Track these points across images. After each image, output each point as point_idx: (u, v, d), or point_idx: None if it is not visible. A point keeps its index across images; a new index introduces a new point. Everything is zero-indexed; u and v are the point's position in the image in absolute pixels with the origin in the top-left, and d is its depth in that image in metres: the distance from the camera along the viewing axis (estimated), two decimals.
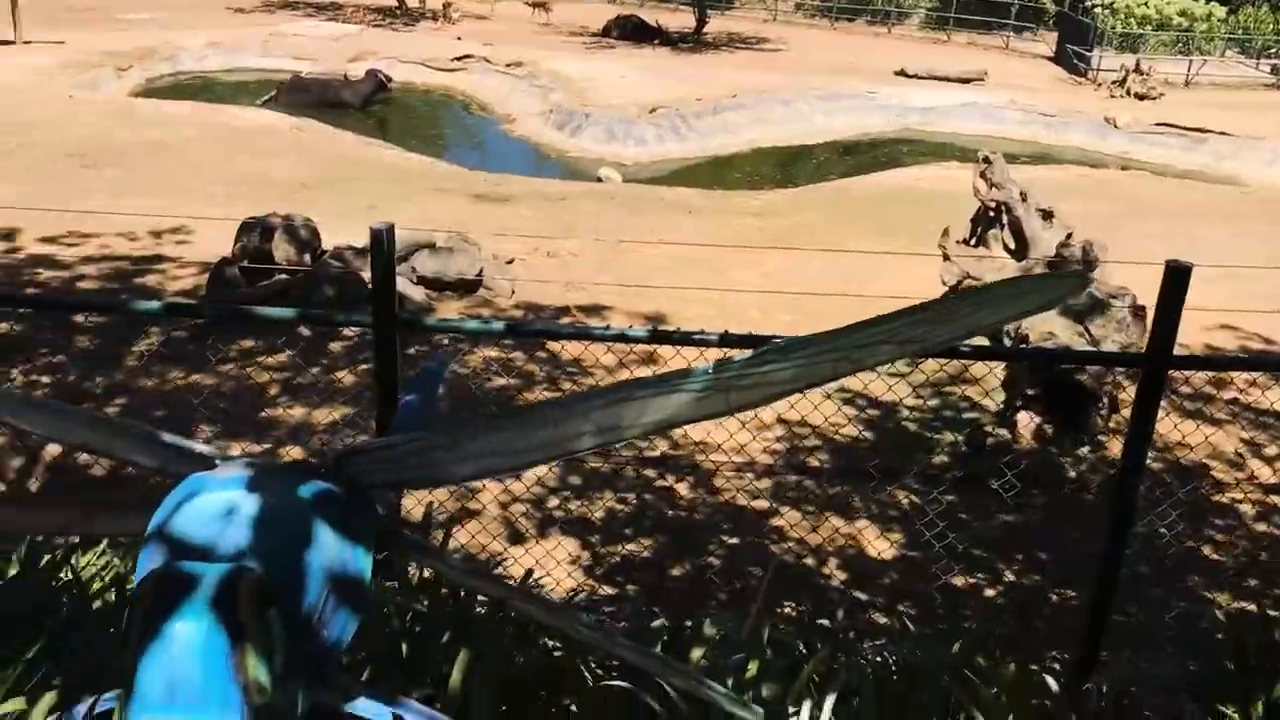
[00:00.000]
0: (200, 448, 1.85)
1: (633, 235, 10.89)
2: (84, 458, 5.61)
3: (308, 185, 12.66)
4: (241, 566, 1.54)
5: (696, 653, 2.37)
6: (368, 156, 14.99)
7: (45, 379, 6.85)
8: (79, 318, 7.59)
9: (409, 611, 2.67)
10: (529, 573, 3.80)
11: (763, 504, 5.97)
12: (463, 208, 12.37)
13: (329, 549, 1.69)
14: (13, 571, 2.51)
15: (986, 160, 9.67)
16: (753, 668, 2.14)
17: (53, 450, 5.79)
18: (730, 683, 2.30)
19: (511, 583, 3.57)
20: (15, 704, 1.98)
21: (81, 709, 1.82)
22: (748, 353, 1.83)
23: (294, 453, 6.03)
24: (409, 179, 13.67)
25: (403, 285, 8.84)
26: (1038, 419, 6.91)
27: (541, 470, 5.95)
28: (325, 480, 1.77)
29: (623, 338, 4.01)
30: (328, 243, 9.36)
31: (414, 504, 4.65)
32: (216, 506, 1.65)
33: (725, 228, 12.03)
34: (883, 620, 4.91)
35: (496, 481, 5.83)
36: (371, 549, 1.77)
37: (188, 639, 1.44)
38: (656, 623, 2.65)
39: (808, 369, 1.80)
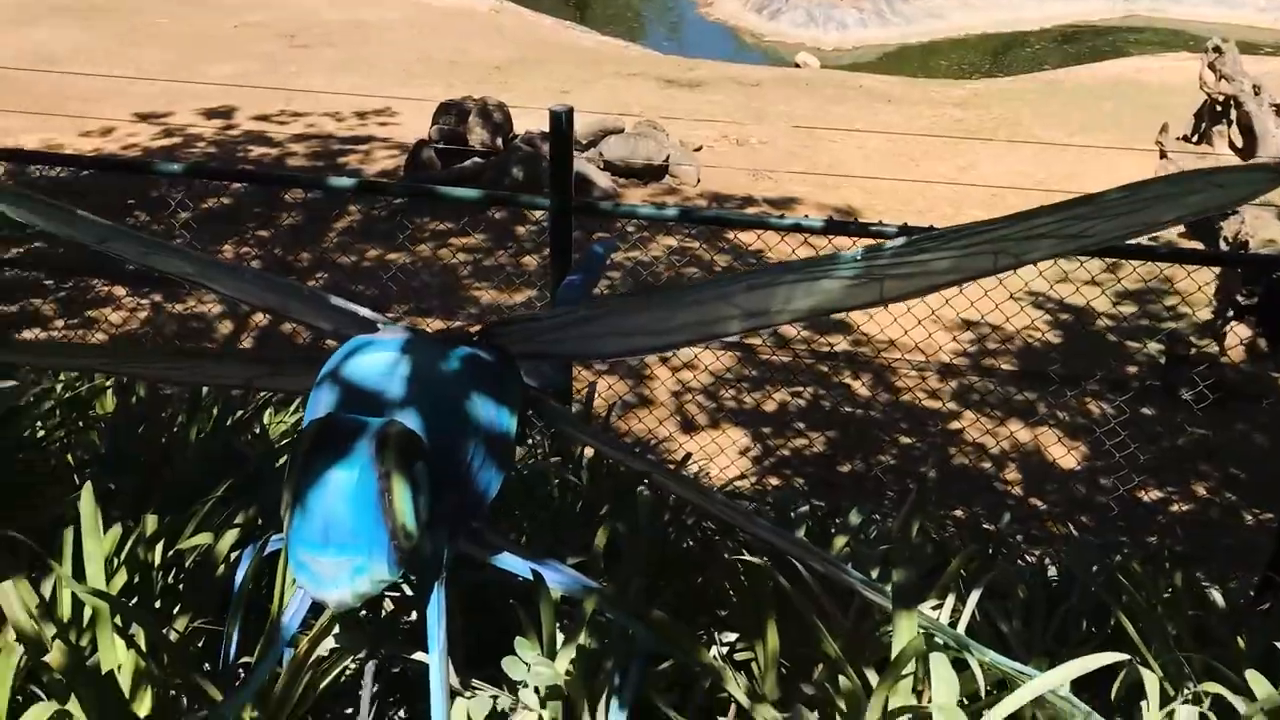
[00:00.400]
0: (365, 312, 1.95)
1: (826, 124, 10.61)
2: (288, 327, 5.99)
3: (502, 68, 12.83)
4: (394, 420, 1.63)
5: (840, 541, 2.37)
6: (562, 40, 15.03)
7: (254, 251, 7.29)
8: (286, 194, 8.00)
9: (568, 484, 2.77)
10: (687, 456, 3.86)
11: (942, 404, 5.85)
12: (653, 92, 12.31)
13: (476, 408, 1.76)
14: (209, 426, 2.73)
15: (1216, 49, 8.92)
16: (895, 558, 2.12)
17: (259, 319, 6.20)
18: (875, 574, 2.30)
19: (669, 468, 3.64)
20: (204, 538, 2.17)
21: (257, 545, 1.98)
22: (900, 240, 1.78)
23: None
24: (601, 63, 13.66)
25: (590, 170, 8.91)
26: (1250, 331, 6.47)
27: (713, 361, 5.99)
28: (475, 347, 1.84)
29: (797, 227, 3.94)
30: (519, 126, 9.51)
31: (579, 385, 4.77)
32: (377, 365, 1.74)
33: (924, 118, 11.57)
34: (1056, 530, 4.78)
35: (665, 368, 5.90)
36: (517, 412, 1.84)
37: (341, 483, 1.54)
38: (803, 508, 2.66)
39: (966, 260, 1.73)
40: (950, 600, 2.19)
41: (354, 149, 9.84)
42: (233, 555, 2.14)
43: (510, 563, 1.91)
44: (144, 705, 1.80)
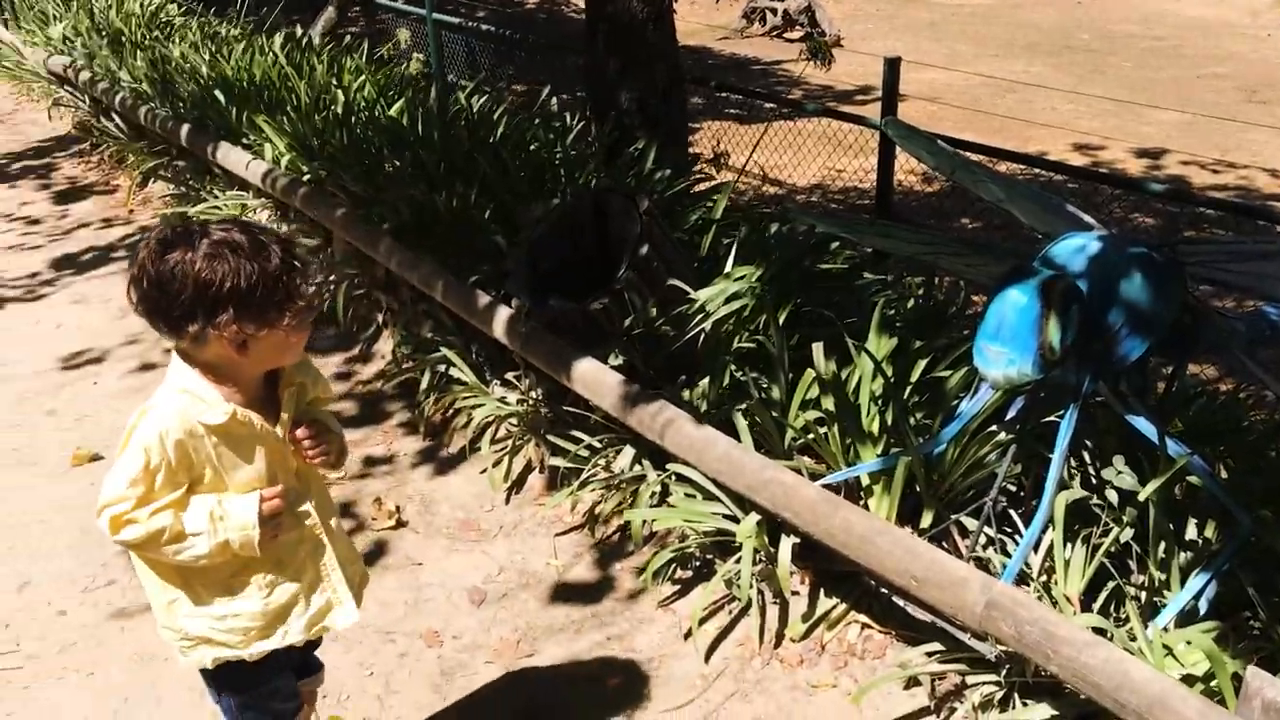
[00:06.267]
0: (1086, 218, 2.68)
1: None
2: None
3: None
4: (1065, 275, 2.37)
5: None
6: None
7: None
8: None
9: None
10: None
11: None
12: None
13: (1133, 290, 2.40)
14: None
15: None
16: None
17: None
18: None
19: None
20: (945, 371, 3.08)
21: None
22: None
23: None
24: None
25: None
26: None
27: None
28: (1154, 251, 2.45)
29: None
30: None
31: None
32: (1073, 245, 2.49)
33: None
34: None
35: None
36: (1171, 308, 2.41)
37: (1015, 300, 2.33)
38: None
39: None
40: None
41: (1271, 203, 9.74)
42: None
43: (1140, 424, 2.49)
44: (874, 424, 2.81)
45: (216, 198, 5.79)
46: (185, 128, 6.01)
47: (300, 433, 1.88)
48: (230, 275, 1.65)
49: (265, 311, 1.69)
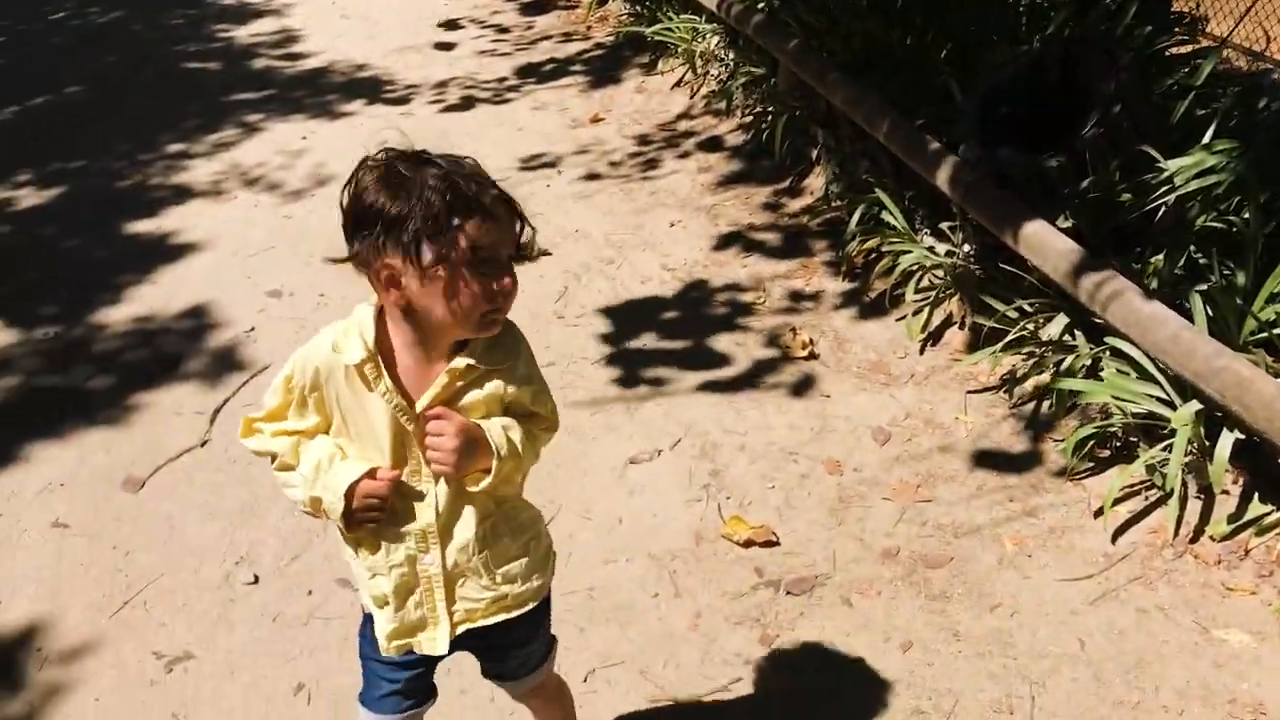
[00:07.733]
0: None
1: None
2: None
3: None
4: None
5: None
6: None
7: None
8: None
9: None
10: None
11: None
12: None
13: None
14: None
15: None
16: None
17: None
18: None
19: None
20: None
21: None
22: None
23: None
24: None
25: None
26: None
27: None
28: None
29: None
30: None
31: None
32: None
33: None
34: None
35: None
36: None
37: None
38: None
39: None
40: None
41: None
42: None
43: None
44: None
45: (670, 19, 6.00)
46: None
47: (431, 423, 1.57)
48: (377, 197, 1.47)
49: (399, 242, 1.45)
